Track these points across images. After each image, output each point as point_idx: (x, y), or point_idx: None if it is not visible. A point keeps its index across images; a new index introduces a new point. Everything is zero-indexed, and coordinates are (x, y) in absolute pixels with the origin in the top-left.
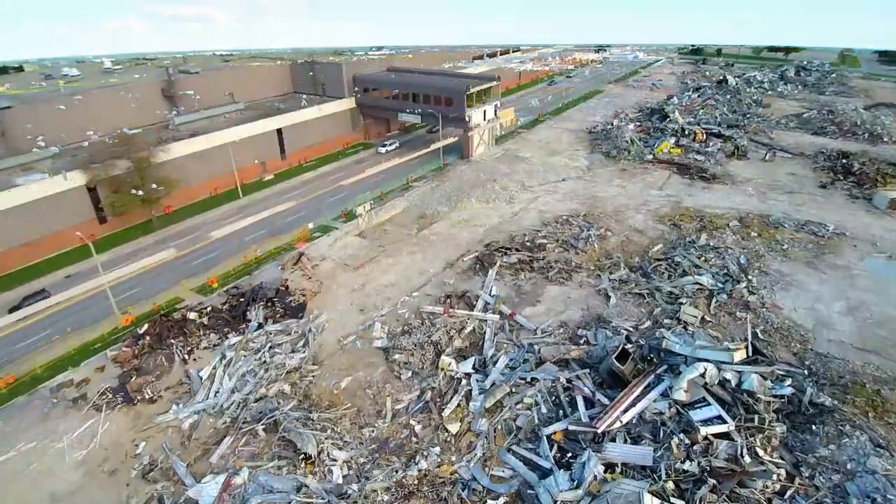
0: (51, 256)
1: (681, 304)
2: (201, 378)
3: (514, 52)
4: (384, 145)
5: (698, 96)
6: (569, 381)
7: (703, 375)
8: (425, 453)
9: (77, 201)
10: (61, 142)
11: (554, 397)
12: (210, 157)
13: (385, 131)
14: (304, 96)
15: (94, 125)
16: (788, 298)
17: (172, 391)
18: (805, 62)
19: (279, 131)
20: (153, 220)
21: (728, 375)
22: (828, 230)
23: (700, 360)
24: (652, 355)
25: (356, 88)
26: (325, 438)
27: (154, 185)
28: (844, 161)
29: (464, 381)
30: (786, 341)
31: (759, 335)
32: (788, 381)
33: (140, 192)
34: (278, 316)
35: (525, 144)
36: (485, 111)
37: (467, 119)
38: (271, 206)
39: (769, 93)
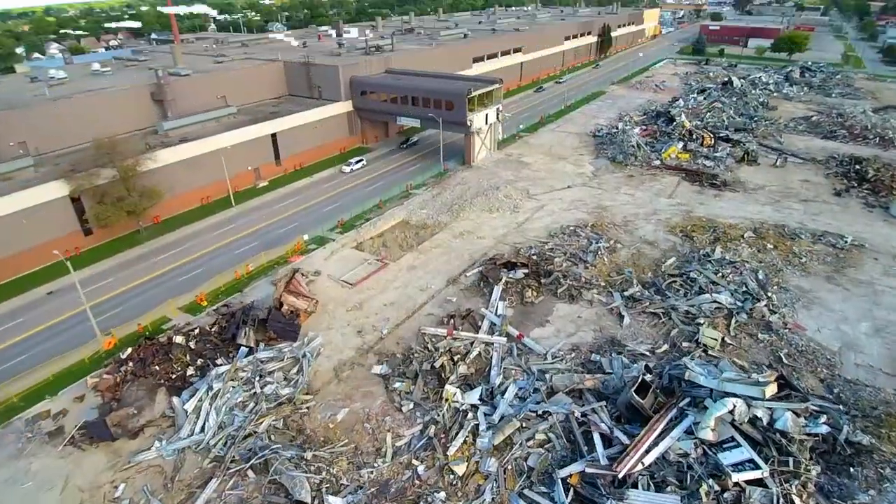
0: (32, 271)
1: (699, 324)
2: (186, 411)
3: (514, 52)
4: (349, 163)
5: (704, 98)
6: (584, 414)
7: (731, 412)
8: (429, 499)
9: (60, 212)
10: (43, 149)
11: (568, 433)
12: (201, 163)
13: (383, 135)
14: (302, 99)
15: (78, 131)
16: (811, 318)
17: (155, 425)
18: (809, 63)
19: (273, 136)
20: (141, 231)
21: (759, 413)
22: (846, 242)
23: (727, 393)
24: (673, 385)
25: (353, 91)
26: (320, 482)
27: (140, 195)
28: (858, 167)
29: (470, 414)
30: (811, 366)
31: (784, 360)
32: (823, 418)
33: (133, 197)
34: (269, 339)
35: (528, 149)
36: (486, 115)
37: (469, 123)
38: (265, 215)
39: (775, 94)
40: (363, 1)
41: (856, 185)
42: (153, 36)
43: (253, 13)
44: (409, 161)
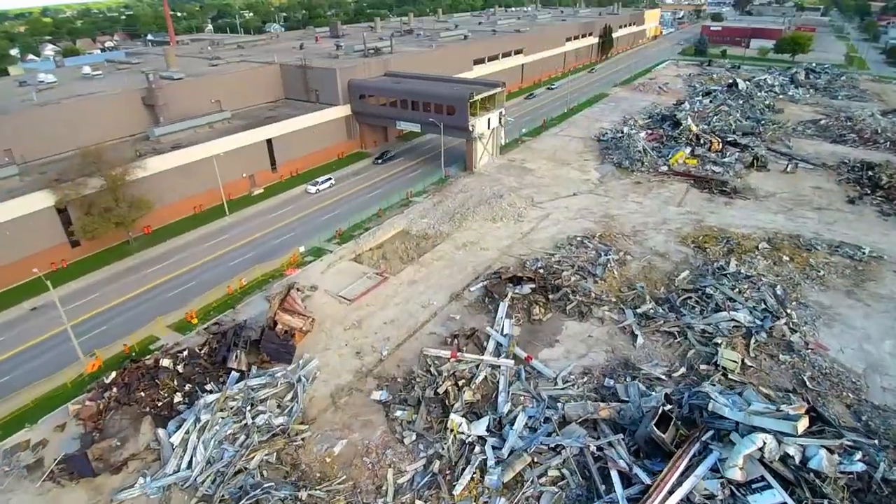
0: (16, 285)
1: (716, 344)
2: (172, 444)
3: (516, 54)
4: (315, 183)
5: (710, 101)
6: (600, 448)
7: (760, 449)
8: None
9: (46, 224)
10: (29, 157)
11: (583, 469)
12: (194, 171)
13: (382, 139)
14: (299, 103)
15: (66, 138)
16: (833, 337)
17: (139, 458)
18: (813, 64)
19: (269, 141)
20: (130, 243)
21: (790, 450)
22: (864, 253)
23: (755, 427)
24: (694, 415)
25: (351, 95)
26: None
27: (129, 206)
28: (871, 173)
29: (477, 447)
30: (836, 390)
31: (808, 383)
32: (859, 455)
33: (122, 207)
34: (262, 362)
35: (531, 154)
36: (489, 119)
37: (471, 128)
38: (260, 224)
39: (780, 97)
40: (361, 1)
41: (869, 191)
42: (149, 37)
43: (250, 13)
44: (408, 167)
